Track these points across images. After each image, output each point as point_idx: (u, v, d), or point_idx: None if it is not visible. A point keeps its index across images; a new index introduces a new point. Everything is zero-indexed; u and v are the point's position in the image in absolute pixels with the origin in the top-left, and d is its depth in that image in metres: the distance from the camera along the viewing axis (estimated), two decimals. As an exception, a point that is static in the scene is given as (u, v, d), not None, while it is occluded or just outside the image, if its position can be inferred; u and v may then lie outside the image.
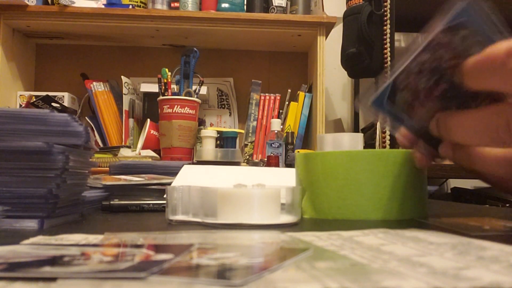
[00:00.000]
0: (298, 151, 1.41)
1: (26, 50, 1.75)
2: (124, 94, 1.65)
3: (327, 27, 1.61)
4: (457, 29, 0.32)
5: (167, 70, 1.52)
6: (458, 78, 0.32)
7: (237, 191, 0.39)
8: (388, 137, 1.43)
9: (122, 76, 1.65)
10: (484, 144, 0.32)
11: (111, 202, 0.52)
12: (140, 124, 1.70)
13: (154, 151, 1.54)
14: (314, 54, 1.64)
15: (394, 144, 1.43)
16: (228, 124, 1.81)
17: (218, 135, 1.53)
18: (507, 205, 1.54)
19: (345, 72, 1.61)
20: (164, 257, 0.23)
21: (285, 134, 1.58)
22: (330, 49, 1.68)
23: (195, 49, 1.54)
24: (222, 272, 0.20)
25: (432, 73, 0.33)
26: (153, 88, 1.61)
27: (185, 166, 0.68)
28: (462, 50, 0.32)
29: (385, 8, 1.44)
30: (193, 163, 0.90)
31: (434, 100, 0.34)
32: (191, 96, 1.52)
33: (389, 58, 1.40)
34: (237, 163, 1.28)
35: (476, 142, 0.32)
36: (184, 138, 1.50)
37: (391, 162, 0.44)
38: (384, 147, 1.44)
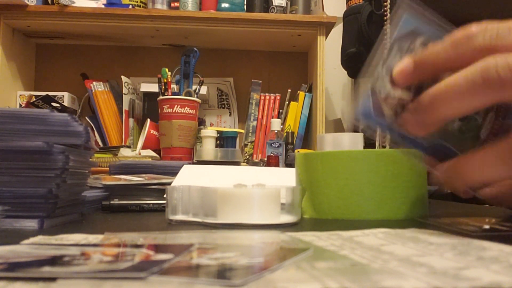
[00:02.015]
0: (298, 151, 1.41)
1: (26, 50, 1.75)
2: (124, 94, 1.65)
3: (327, 27, 1.61)
4: (412, 36, 0.32)
5: (167, 70, 1.52)
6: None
7: (237, 191, 0.39)
8: (388, 137, 1.43)
9: (122, 76, 1.65)
10: (505, 177, 0.31)
11: (111, 202, 0.52)
12: (140, 124, 1.70)
13: (154, 151, 1.54)
14: (314, 54, 1.64)
15: (394, 144, 1.43)
16: (228, 124, 1.81)
17: (218, 135, 1.53)
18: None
19: (345, 72, 1.60)
20: (164, 257, 0.23)
21: (285, 134, 1.58)
22: (330, 49, 1.68)
23: (195, 49, 1.54)
24: (222, 272, 0.20)
25: None
26: (153, 88, 1.61)
27: (185, 166, 0.68)
28: None
29: (385, 8, 1.44)
30: (193, 163, 0.90)
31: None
32: (191, 96, 1.52)
33: (389, 58, 1.40)
34: (237, 163, 1.28)
35: (495, 178, 0.31)
36: (184, 138, 1.50)
37: (391, 162, 0.44)
38: (384, 147, 1.44)
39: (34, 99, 1.58)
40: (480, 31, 0.29)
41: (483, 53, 0.29)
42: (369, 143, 1.55)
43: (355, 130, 0.43)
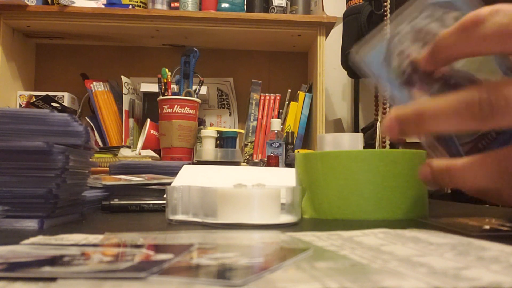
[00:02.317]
0: (298, 151, 1.41)
1: (26, 50, 1.75)
2: (124, 94, 1.65)
3: (327, 27, 1.61)
4: (447, 8, 0.33)
5: (167, 70, 1.52)
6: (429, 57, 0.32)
7: (237, 191, 0.39)
8: (388, 137, 1.43)
9: (122, 76, 1.65)
10: (500, 186, 0.31)
11: (111, 202, 0.52)
12: (140, 124, 1.70)
13: (154, 151, 1.54)
14: (314, 54, 1.64)
15: (394, 144, 1.43)
16: (228, 124, 1.81)
17: (218, 135, 1.53)
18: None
19: (345, 72, 1.61)
20: (164, 257, 0.23)
21: (285, 134, 1.58)
22: (330, 49, 1.68)
23: (195, 49, 1.54)
24: (222, 272, 0.20)
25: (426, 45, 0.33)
26: (153, 88, 1.61)
27: (185, 166, 0.68)
28: None
29: (385, 8, 1.44)
30: (193, 163, 0.90)
31: (434, 83, 0.33)
32: (191, 96, 1.52)
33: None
34: (237, 163, 1.28)
35: (491, 186, 0.32)
36: (184, 138, 1.50)
37: (391, 162, 0.44)
38: (384, 147, 1.44)
39: (34, 99, 1.58)
40: (490, 15, 0.29)
41: (490, 41, 0.29)
42: (369, 143, 1.55)
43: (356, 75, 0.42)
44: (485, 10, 0.29)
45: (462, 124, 0.29)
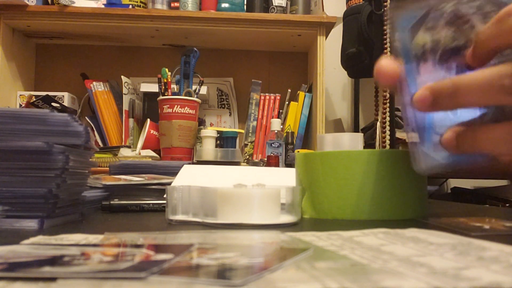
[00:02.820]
0: (298, 151, 1.41)
1: (26, 50, 1.75)
2: (124, 94, 1.65)
3: (327, 27, 1.61)
4: (497, 6, 0.32)
5: (167, 70, 1.52)
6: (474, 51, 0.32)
7: (237, 191, 0.39)
8: (388, 137, 1.43)
9: (122, 76, 1.65)
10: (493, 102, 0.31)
11: (111, 202, 0.52)
12: (140, 124, 1.70)
13: (154, 151, 1.54)
14: (314, 54, 1.64)
15: (394, 144, 1.43)
16: (228, 124, 1.81)
17: (218, 135, 1.53)
18: (507, 205, 1.54)
19: (345, 72, 1.61)
20: (164, 257, 0.23)
21: (285, 134, 1.58)
22: (330, 49, 1.68)
23: (195, 49, 1.54)
24: (222, 272, 0.20)
25: (459, 35, 0.33)
26: (153, 88, 1.61)
27: (185, 166, 0.68)
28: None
29: (385, 8, 1.44)
30: (193, 163, 0.90)
31: (442, 71, 0.34)
32: (191, 96, 1.52)
33: (389, 58, 1.40)
34: (237, 163, 1.28)
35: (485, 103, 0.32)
36: (184, 138, 1.50)
37: (391, 162, 0.44)
38: (384, 147, 1.44)
39: (34, 99, 1.58)
40: None
41: None
42: (369, 143, 1.55)
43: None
44: None
45: (495, 98, 0.29)
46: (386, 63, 0.35)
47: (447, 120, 0.34)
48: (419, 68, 0.34)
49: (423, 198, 0.46)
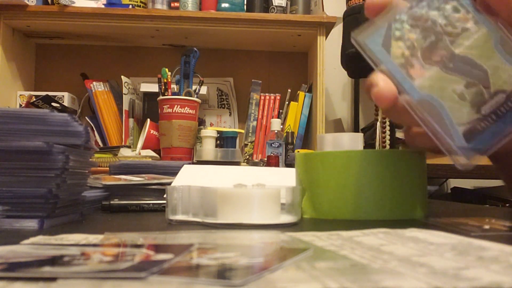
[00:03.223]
0: (298, 151, 1.41)
1: (26, 50, 1.75)
2: (124, 94, 1.65)
3: (327, 27, 1.61)
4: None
5: (167, 70, 1.52)
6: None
7: (237, 191, 0.39)
8: (388, 137, 1.43)
9: (122, 76, 1.65)
10: None
11: (111, 202, 0.52)
12: (140, 124, 1.70)
13: (154, 151, 1.54)
14: (314, 54, 1.64)
15: (394, 144, 1.43)
16: (228, 124, 1.81)
17: (218, 135, 1.53)
18: (507, 205, 1.54)
19: (345, 72, 1.61)
20: (164, 257, 0.23)
21: (285, 134, 1.58)
22: (330, 49, 1.68)
23: (195, 49, 1.54)
24: (222, 272, 0.20)
25: (426, 33, 0.35)
26: (153, 88, 1.61)
27: (185, 166, 0.68)
28: (454, 20, 0.35)
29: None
30: (193, 163, 0.90)
31: (434, 66, 0.35)
32: (191, 96, 1.52)
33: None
34: (237, 163, 1.28)
35: None
36: (184, 138, 1.50)
37: (391, 162, 0.44)
38: (384, 147, 1.44)
39: (34, 99, 1.58)
40: None
41: None
42: (369, 143, 1.55)
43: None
44: None
45: None
46: (382, 85, 0.35)
47: (460, 110, 0.34)
48: (411, 75, 0.35)
49: (423, 198, 0.46)
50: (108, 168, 0.79)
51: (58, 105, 1.59)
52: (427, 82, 0.35)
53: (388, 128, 1.44)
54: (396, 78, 0.35)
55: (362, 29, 0.36)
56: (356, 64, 1.48)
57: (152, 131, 1.59)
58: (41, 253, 0.24)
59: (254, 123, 1.70)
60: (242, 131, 1.69)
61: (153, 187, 0.62)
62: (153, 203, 0.53)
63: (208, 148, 1.48)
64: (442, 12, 0.35)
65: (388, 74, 0.35)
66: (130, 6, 1.58)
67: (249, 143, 1.69)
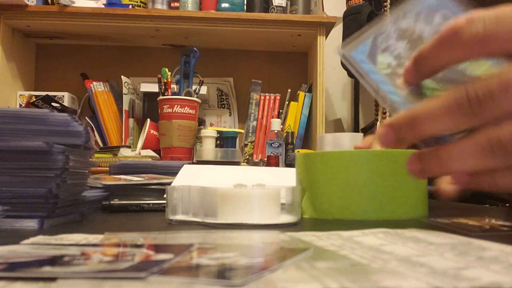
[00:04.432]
0: (298, 151, 1.41)
1: (26, 50, 1.75)
2: (124, 94, 1.65)
3: (327, 27, 1.61)
4: (432, 11, 0.34)
5: (167, 70, 1.52)
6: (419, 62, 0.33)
7: (237, 191, 0.39)
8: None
9: (122, 76, 1.65)
10: (480, 167, 0.31)
11: (111, 202, 0.52)
12: (140, 124, 1.70)
13: (154, 151, 1.53)
14: (314, 54, 1.64)
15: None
16: (228, 124, 1.81)
17: (218, 135, 1.53)
18: (507, 205, 1.54)
19: (345, 72, 1.61)
20: (164, 257, 0.23)
21: (285, 134, 1.58)
22: (330, 49, 1.68)
23: (195, 49, 1.54)
24: (222, 272, 0.20)
25: (414, 44, 0.35)
26: (153, 88, 1.61)
27: (185, 166, 0.68)
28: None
29: (385, 8, 1.44)
30: (193, 163, 0.90)
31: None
32: (191, 96, 1.52)
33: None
34: (237, 163, 1.28)
35: (473, 168, 0.31)
36: (184, 138, 1.50)
37: (391, 162, 0.44)
38: (384, 147, 1.44)
39: (34, 99, 1.58)
40: (467, 24, 0.30)
41: (468, 49, 0.30)
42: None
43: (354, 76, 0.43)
44: (461, 20, 0.30)
45: (455, 122, 0.29)
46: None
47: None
48: (399, 85, 0.35)
49: (423, 198, 0.46)
50: (108, 168, 0.79)
51: (58, 105, 1.59)
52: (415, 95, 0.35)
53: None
54: (383, 89, 0.35)
55: (347, 42, 0.36)
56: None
57: (152, 131, 1.59)
58: (41, 253, 0.24)
59: (254, 123, 1.70)
60: (242, 131, 1.69)
61: (153, 187, 0.62)
62: (153, 203, 0.53)
63: (208, 148, 1.48)
64: (430, 24, 0.35)
65: (374, 85, 0.35)
66: (130, 6, 1.58)
67: (249, 143, 1.69)
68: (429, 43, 0.32)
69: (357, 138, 0.52)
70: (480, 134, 0.30)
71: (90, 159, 0.47)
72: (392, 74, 0.35)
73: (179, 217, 0.42)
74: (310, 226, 0.40)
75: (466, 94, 0.28)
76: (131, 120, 1.66)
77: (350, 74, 1.62)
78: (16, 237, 0.31)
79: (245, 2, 1.64)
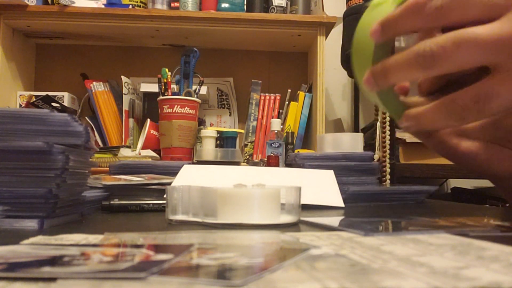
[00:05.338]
0: (298, 151, 1.41)
1: (26, 50, 1.75)
2: (124, 94, 1.65)
3: (327, 27, 1.61)
4: None
5: (167, 70, 1.52)
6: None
7: (237, 191, 0.39)
8: (388, 137, 1.42)
9: (122, 76, 1.65)
10: (416, 75, 0.36)
11: (111, 202, 0.52)
12: (140, 124, 1.70)
13: (154, 151, 1.53)
14: (314, 54, 1.64)
15: (394, 144, 1.43)
16: (228, 124, 1.81)
17: (218, 135, 1.53)
18: (507, 205, 1.54)
19: (345, 72, 1.61)
20: (164, 257, 0.23)
21: (285, 134, 1.58)
22: (330, 49, 1.68)
23: (195, 49, 1.54)
24: (222, 272, 0.20)
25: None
26: (153, 88, 1.61)
27: (185, 166, 0.68)
28: None
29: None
30: (193, 163, 0.90)
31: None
32: (191, 96, 1.52)
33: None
34: (237, 163, 1.28)
35: (441, 126, 0.40)
36: (184, 138, 1.50)
37: None
38: (384, 147, 1.44)
39: (34, 99, 1.57)
40: None
41: (432, 19, 0.35)
42: (369, 143, 1.55)
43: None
44: None
45: (414, 73, 0.35)
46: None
47: None
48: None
49: None
50: (108, 168, 0.79)
51: (58, 105, 1.59)
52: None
53: (388, 128, 1.44)
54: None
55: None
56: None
57: (152, 131, 1.59)
58: (41, 253, 0.24)
59: (254, 123, 1.70)
60: (242, 131, 1.69)
61: (153, 187, 0.62)
62: (153, 203, 0.53)
63: (208, 148, 1.48)
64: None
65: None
66: (130, 6, 1.58)
67: (249, 143, 1.69)
68: (396, 11, 0.37)
69: (357, 138, 0.52)
70: (415, 46, 0.35)
71: (90, 159, 0.47)
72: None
73: (179, 217, 0.42)
74: (310, 226, 0.40)
75: (422, 48, 0.34)
76: (131, 120, 1.66)
77: (350, 74, 1.62)
78: (16, 237, 0.31)
79: (245, 2, 1.64)
